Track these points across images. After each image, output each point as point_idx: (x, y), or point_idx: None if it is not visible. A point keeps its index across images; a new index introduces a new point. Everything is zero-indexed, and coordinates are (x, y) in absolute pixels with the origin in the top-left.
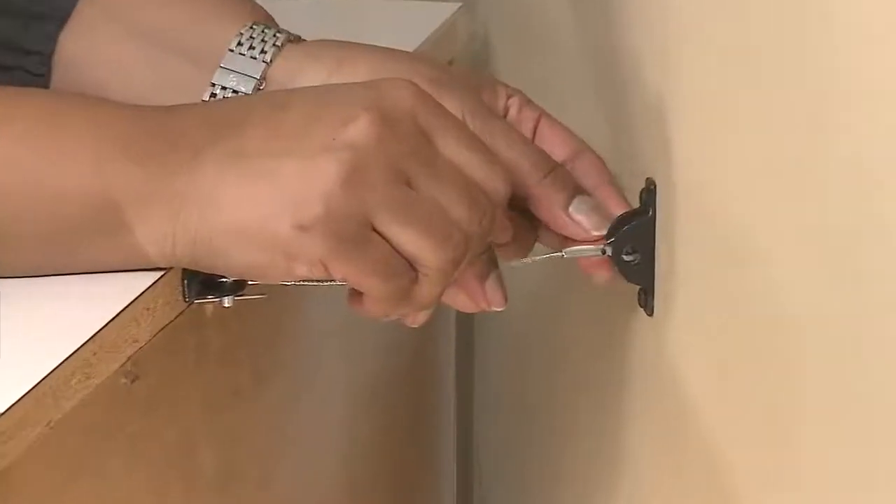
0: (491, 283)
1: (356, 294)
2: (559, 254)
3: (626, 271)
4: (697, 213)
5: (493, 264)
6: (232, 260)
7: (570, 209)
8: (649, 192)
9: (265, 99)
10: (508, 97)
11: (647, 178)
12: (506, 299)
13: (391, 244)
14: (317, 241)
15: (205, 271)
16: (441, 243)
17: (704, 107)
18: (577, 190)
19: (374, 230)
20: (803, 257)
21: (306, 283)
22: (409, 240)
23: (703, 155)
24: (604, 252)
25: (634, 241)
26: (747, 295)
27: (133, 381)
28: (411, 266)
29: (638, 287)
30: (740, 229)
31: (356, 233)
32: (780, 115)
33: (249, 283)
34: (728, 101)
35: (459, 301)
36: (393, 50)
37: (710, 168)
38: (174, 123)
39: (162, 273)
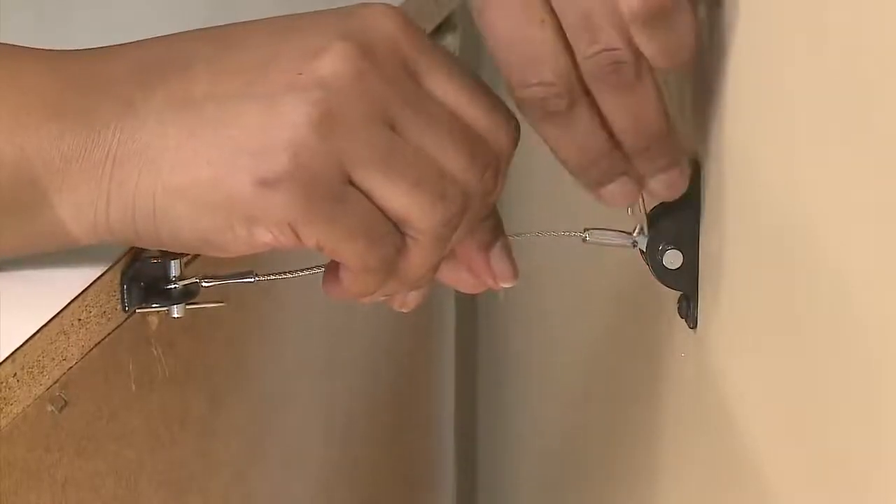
0: (497, 254)
1: (332, 275)
2: (580, 235)
3: (664, 273)
4: (753, 203)
5: (498, 231)
6: (180, 227)
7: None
8: (693, 177)
9: (212, 35)
10: None
11: (690, 159)
12: (516, 273)
13: (373, 201)
14: (283, 199)
15: (146, 246)
16: (433, 200)
17: (767, 61)
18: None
19: (352, 184)
20: (888, 261)
21: (272, 276)
22: (396, 195)
23: (761, 129)
24: (635, 246)
25: (674, 236)
26: (815, 306)
27: (62, 409)
28: (398, 229)
29: (677, 293)
30: (807, 224)
31: (331, 188)
32: (867, 77)
33: (203, 284)
34: (799, 55)
35: (460, 279)
36: None
37: (770, 146)
38: (101, 70)
39: (97, 275)
